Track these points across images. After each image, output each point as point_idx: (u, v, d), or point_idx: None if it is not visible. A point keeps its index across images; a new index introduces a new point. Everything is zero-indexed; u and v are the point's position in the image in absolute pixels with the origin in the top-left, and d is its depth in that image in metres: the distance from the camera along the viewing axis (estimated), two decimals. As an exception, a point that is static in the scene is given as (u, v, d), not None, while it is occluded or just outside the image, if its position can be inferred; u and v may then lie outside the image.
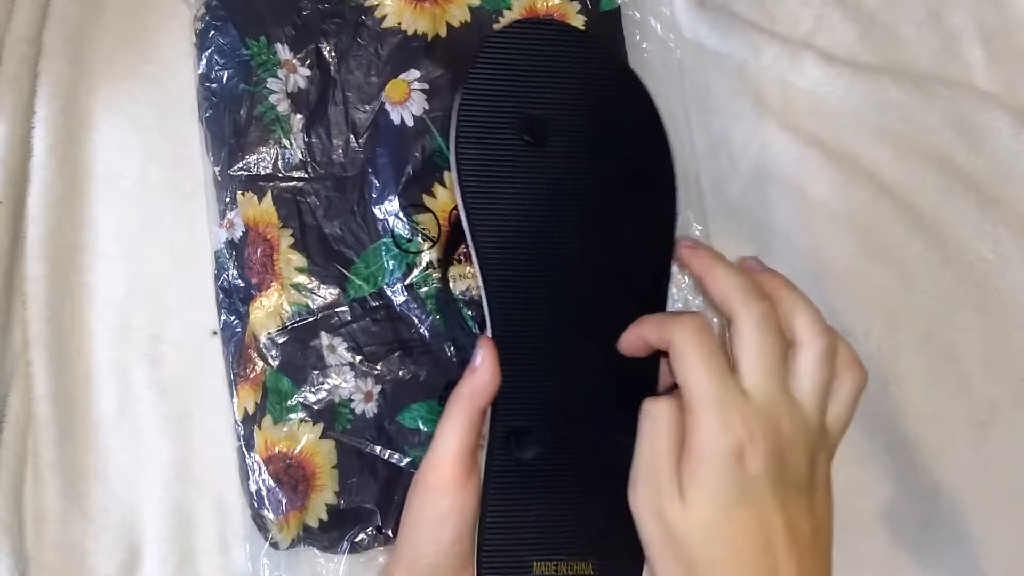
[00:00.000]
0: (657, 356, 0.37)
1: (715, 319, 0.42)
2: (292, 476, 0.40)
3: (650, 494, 0.32)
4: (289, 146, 0.42)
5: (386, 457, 0.41)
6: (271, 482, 0.40)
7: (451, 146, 0.36)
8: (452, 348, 0.42)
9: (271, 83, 0.43)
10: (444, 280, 0.41)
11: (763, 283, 0.34)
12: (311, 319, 0.41)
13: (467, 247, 0.38)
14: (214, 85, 0.43)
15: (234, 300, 0.43)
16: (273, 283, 0.42)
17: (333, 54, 0.43)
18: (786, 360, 0.32)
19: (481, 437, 0.36)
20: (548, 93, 0.37)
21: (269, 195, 0.42)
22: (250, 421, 0.41)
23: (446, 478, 0.34)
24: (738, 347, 0.32)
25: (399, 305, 0.42)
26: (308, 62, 0.43)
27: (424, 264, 0.42)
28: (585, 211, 0.37)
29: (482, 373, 0.35)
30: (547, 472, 0.36)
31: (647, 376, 0.37)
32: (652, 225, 0.37)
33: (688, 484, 0.31)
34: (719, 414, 0.31)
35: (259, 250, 0.42)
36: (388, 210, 0.42)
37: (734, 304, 0.32)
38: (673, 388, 0.34)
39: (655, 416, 0.33)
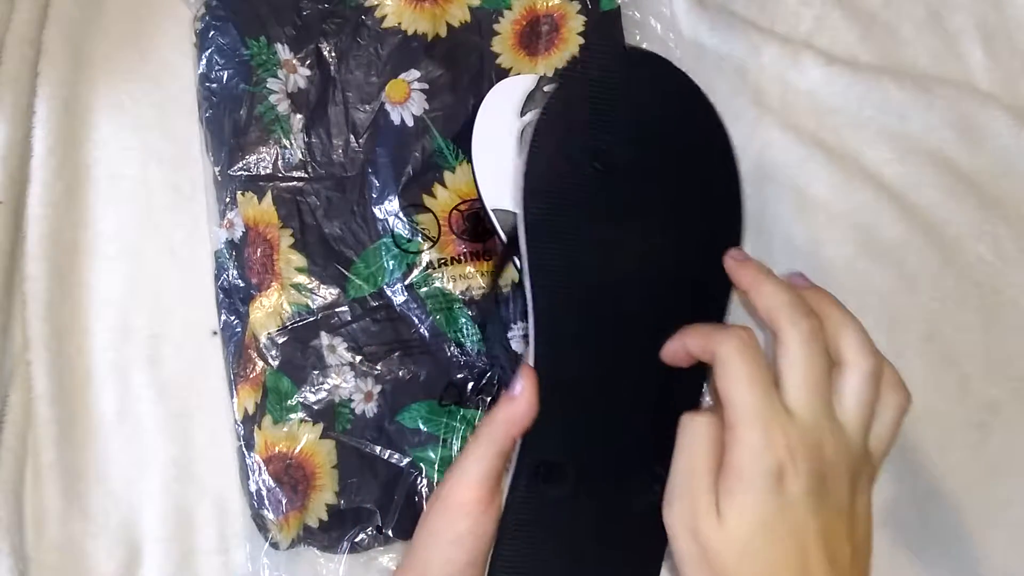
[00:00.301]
0: (699, 399, 0.36)
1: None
2: (292, 476, 0.40)
3: (685, 510, 0.32)
4: (289, 146, 0.42)
5: (386, 457, 0.41)
6: (271, 482, 0.40)
7: (521, 174, 0.35)
8: (453, 348, 0.42)
9: (271, 83, 0.43)
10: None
11: (809, 300, 0.33)
12: (311, 319, 0.41)
13: (519, 270, 0.36)
14: (214, 85, 0.43)
15: (234, 300, 0.43)
16: (273, 283, 0.42)
17: (333, 54, 0.43)
18: (831, 379, 0.32)
19: (508, 463, 0.35)
20: (622, 121, 0.35)
21: (269, 195, 0.42)
22: (250, 421, 0.41)
23: (468, 500, 0.34)
24: (783, 363, 0.31)
25: (399, 305, 0.42)
26: (308, 62, 0.43)
27: (424, 264, 0.42)
28: (647, 241, 0.35)
29: (520, 402, 0.34)
30: (570, 508, 0.35)
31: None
32: (715, 256, 0.35)
33: (725, 501, 0.30)
34: (761, 431, 0.30)
35: (259, 250, 0.42)
36: (388, 210, 0.42)
37: (781, 320, 0.31)
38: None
39: (694, 431, 0.32)
